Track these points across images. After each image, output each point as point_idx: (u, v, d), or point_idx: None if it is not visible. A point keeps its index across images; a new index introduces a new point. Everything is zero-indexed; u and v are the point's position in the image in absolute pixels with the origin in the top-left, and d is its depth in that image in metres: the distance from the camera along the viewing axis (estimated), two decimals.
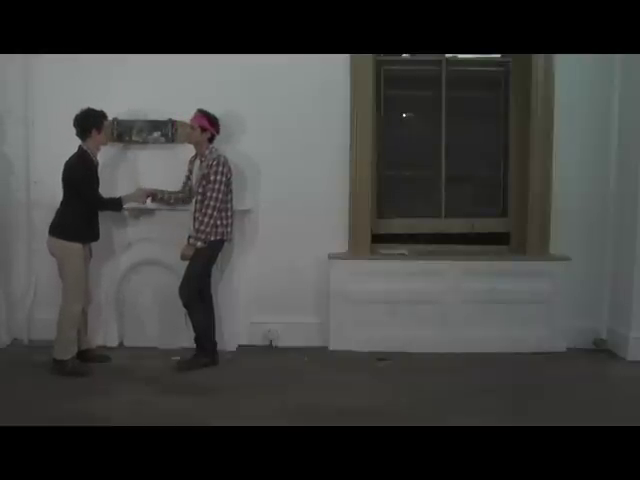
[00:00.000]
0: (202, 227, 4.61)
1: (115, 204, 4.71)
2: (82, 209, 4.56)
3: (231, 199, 4.78)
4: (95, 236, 4.72)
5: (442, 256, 5.28)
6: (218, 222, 4.68)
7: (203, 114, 4.73)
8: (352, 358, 4.99)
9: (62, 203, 4.58)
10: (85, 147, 4.58)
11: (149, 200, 4.91)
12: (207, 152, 4.74)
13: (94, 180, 4.62)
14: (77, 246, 4.54)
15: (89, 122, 4.56)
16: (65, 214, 4.56)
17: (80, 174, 4.53)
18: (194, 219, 4.68)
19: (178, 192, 4.94)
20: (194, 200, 4.74)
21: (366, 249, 5.31)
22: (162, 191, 4.91)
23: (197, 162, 4.81)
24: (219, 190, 4.63)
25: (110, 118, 5.06)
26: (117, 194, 4.84)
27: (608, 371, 4.90)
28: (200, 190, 4.67)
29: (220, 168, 4.65)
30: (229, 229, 4.78)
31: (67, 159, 4.54)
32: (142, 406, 3.97)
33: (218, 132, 4.80)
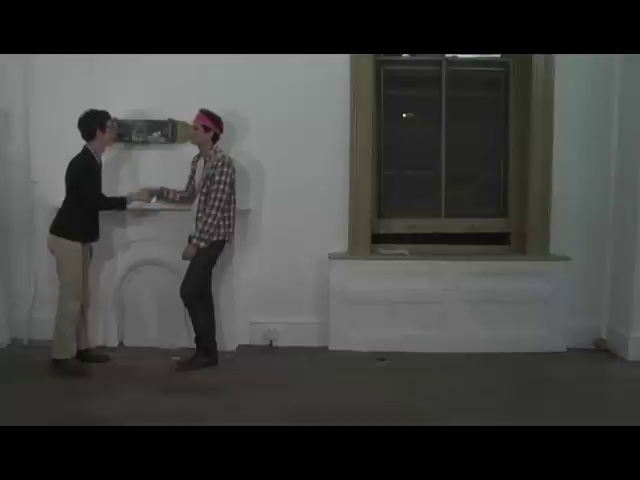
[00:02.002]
0: (205, 227, 4.61)
1: (119, 203, 4.71)
2: (83, 209, 4.57)
3: (234, 200, 4.78)
4: (95, 236, 4.73)
5: (442, 256, 5.28)
6: (221, 223, 4.68)
7: (205, 114, 4.72)
8: (352, 358, 4.99)
9: (64, 202, 4.59)
10: (89, 147, 4.59)
11: (154, 199, 4.91)
12: (211, 152, 4.74)
13: (95, 179, 4.62)
14: (76, 245, 4.54)
15: (92, 123, 4.56)
16: (66, 213, 4.57)
17: (81, 173, 4.52)
18: (196, 219, 4.68)
19: (183, 192, 4.95)
20: (197, 200, 4.74)
21: (366, 249, 5.31)
22: (167, 189, 4.92)
23: (200, 162, 4.81)
24: (223, 191, 4.63)
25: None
26: (118, 194, 4.85)
27: (608, 371, 4.90)
28: (204, 190, 4.67)
29: (225, 169, 4.65)
30: (231, 230, 4.78)
31: (71, 159, 4.55)
32: (142, 406, 3.97)
33: (222, 131, 4.80)
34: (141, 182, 5.07)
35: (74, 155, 4.56)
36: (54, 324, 4.57)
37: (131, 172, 5.20)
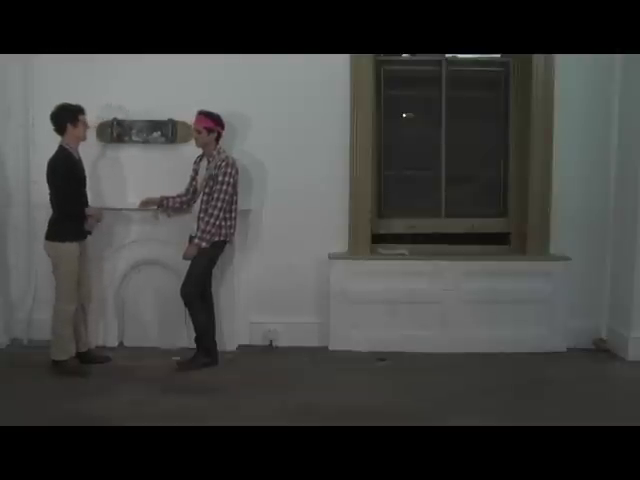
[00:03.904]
0: (207, 227, 4.61)
1: (80, 215, 4.60)
2: (69, 208, 4.52)
3: (236, 201, 4.78)
4: (86, 233, 4.68)
5: (442, 256, 5.27)
6: (222, 223, 4.68)
7: (205, 115, 4.71)
8: (352, 358, 4.99)
9: (51, 206, 4.54)
10: (64, 144, 4.56)
11: (154, 207, 4.89)
12: (215, 152, 4.74)
13: (72, 177, 4.55)
14: (71, 246, 4.51)
15: (63, 118, 4.53)
16: (55, 216, 4.53)
17: (57, 173, 4.47)
18: (198, 219, 4.67)
19: (182, 195, 4.92)
20: (199, 200, 4.74)
21: (366, 249, 5.31)
22: (167, 197, 4.90)
23: (204, 162, 4.80)
24: (226, 192, 4.63)
25: (110, 118, 5.09)
26: (116, 194, 4.85)
27: (608, 371, 4.90)
28: (207, 190, 4.67)
29: (228, 169, 4.65)
30: (232, 230, 4.78)
31: (48, 160, 4.51)
32: (142, 406, 3.97)
33: (223, 128, 4.79)
34: (141, 182, 5.07)
35: None
36: (51, 326, 4.57)
37: (131, 172, 5.20)
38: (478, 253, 5.44)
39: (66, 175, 4.50)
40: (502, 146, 5.58)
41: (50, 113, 4.53)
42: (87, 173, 4.76)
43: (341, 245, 5.29)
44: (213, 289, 4.91)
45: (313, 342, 5.24)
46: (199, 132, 4.72)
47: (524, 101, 5.32)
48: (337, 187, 5.23)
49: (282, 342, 5.27)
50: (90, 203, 4.74)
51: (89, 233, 4.68)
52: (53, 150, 4.55)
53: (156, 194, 4.92)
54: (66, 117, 4.53)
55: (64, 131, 4.54)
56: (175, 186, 4.92)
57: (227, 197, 4.65)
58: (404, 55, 5.54)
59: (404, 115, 5.75)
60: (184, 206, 4.93)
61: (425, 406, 4.03)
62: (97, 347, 5.05)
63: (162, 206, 4.93)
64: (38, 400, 4.07)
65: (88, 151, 4.81)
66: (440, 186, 5.56)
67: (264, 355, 5.13)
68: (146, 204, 4.89)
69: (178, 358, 4.80)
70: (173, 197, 4.92)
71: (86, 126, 4.65)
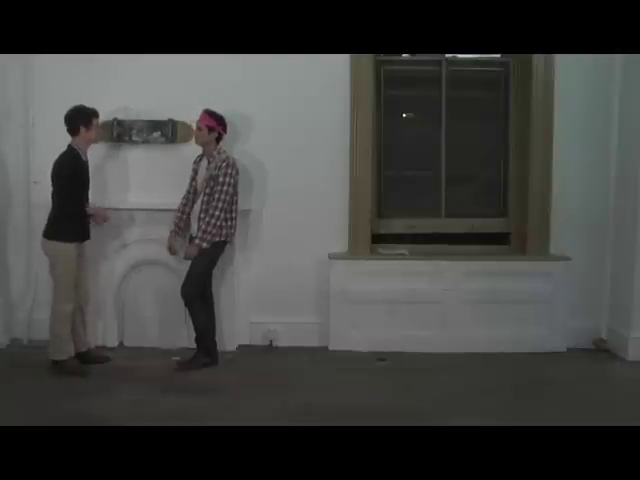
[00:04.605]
0: (208, 228, 4.61)
1: (80, 215, 4.60)
2: (71, 209, 4.53)
3: (237, 201, 4.78)
4: (86, 235, 4.68)
5: (442, 256, 5.27)
6: (223, 223, 4.67)
7: (209, 114, 4.71)
8: (352, 358, 4.99)
9: (52, 206, 4.55)
10: (74, 144, 4.57)
11: (176, 240, 4.86)
12: (215, 153, 4.73)
13: (77, 179, 4.56)
14: (69, 246, 4.51)
15: (77, 119, 4.54)
16: (55, 215, 4.54)
17: (64, 174, 4.49)
18: (199, 219, 4.67)
19: (183, 206, 4.87)
20: (200, 200, 4.74)
21: (366, 249, 5.31)
22: (177, 225, 4.86)
23: (204, 162, 4.80)
24: (227, 192, 4.63)
25: (110, 118, 5.08)
26: (116, 194, 4.86)
27: (608, 371, 4.90)
28: (207, 191, 4.67)
29: (229, 170, 4.65)
30: (232, 230, 4.78)
31: (55, 159, 4.52)
32: (142, 406, 3.97)
33: (225, 131, 4.79)
34: (141, 182, 5.09)
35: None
36: (49, 326, 4.57)
37: (131, 172, 5.20)
38: (478, 253, 5.44)
39: (72, 176, 4.52)
40: (502, 146, 5.58)
41: (65, 114, 4.55)
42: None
43: (341, 245, 5.29)
44: (213, 289, 4.91)
45: (313, 342, 5.24)
46: (200, 129, 4.72)
47: (524, 101, 5.32)
48: (337, 187, 5.23)
49: (282, 342, 5.27)
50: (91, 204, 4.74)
51: (88, 237, 4.68)
52: (53, 150, 4.55)
53: (156, 194, 4.96)
54: (80, 119, 4.55)
55: (77, 133, 4.56)
56: (175, 186, 4.91)
57: (228, 198, 4.65)
58: (404, 55, 5.53)
59: (404, 115, 5.75)
60: (191, 215, 4.89)
61: (425, 406, 4.03)
62: (97, 347, 5.05)
63: (179, 234, 4.89)
64: (38, 400, 4.07)
65: (88, 151, 4.80)
66: (440, 186, 5.56)
67: (264, 355, 5.13)
68: (171, 244, 4.85)
69: (178, 358, 4.80)
70: (180, 217, 4.87)
71: (98, 130, 4.67)
